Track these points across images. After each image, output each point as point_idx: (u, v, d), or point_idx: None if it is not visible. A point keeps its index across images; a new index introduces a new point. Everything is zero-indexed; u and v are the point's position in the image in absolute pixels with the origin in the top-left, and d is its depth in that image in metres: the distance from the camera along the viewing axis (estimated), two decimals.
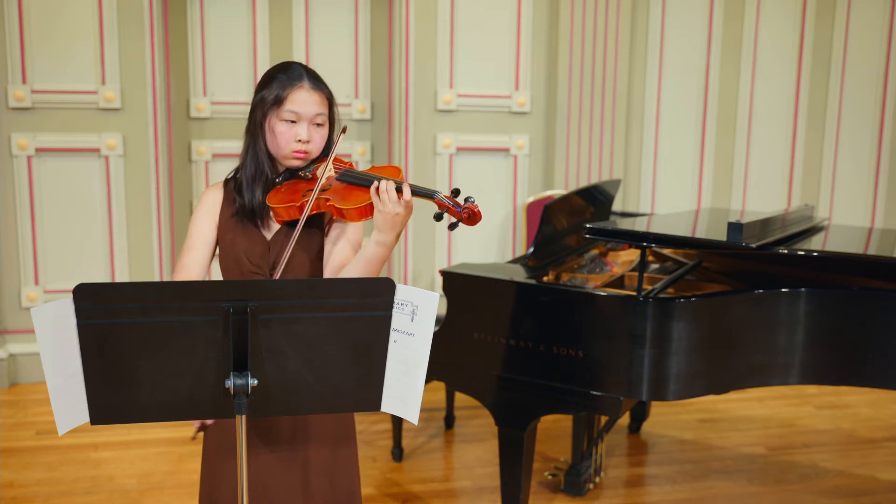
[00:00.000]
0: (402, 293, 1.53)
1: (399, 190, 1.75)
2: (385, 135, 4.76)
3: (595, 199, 3.51)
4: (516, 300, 2.72)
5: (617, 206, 4.61)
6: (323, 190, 1.84)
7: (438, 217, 1.76)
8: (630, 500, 3.24)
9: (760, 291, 2.61)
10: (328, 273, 1.90)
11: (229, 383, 1.47)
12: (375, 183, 1.76)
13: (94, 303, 1.41)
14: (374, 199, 1.75)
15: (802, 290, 2.61)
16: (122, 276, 4.46)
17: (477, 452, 3.64)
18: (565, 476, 3.24)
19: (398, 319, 1.54)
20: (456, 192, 1.76)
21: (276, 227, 1.93)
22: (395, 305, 1.53)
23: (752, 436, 3.87)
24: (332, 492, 1.97)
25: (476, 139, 4.74)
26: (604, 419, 3.36)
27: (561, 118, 4.73)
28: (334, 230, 1.93)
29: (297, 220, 1.83)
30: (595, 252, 3.41)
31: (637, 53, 4.92)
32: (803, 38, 5.12)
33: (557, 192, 4.70)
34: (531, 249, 2.98)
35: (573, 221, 3.26)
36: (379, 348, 1.55)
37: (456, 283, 2.81)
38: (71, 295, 1.40)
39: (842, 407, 4.26)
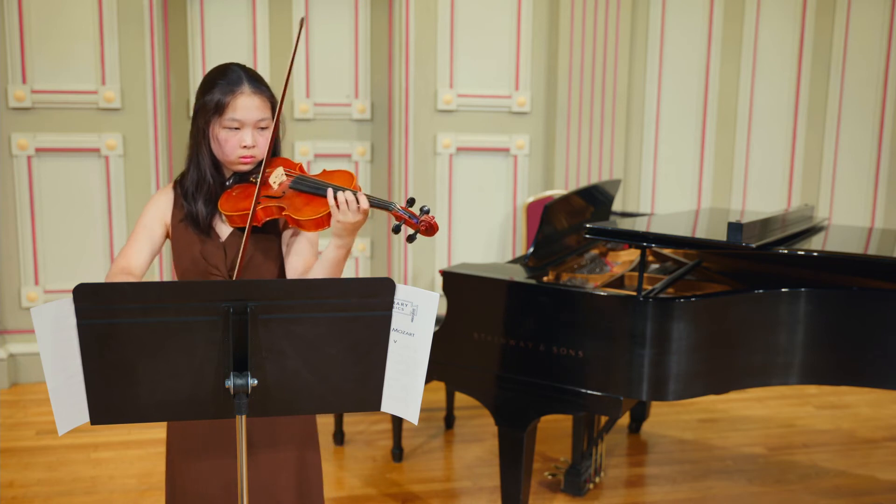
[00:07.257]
0: (402, 293, 1.53)
1: (358, 200, 1.75)
2: (385, 135, 4.76)
3: (595, 199, 3.51)
4: (516, 300, 2.72)
5: (617, 206, 4.61)
6: (276, 197, 1.84)
7: (396, 229, 1.76)
8: (630, 500, 3.24)
9: (760, 291, 2.61)
10: (291, 274, 1.91)
11: (229, 383, 1.48)
12: (332, 193, 1.76)
13: (94, 303, 1.41)
14: (333, 208, 1.75)
15: (802, 290, 2.61)
16: None
17: (477, 452, 3.63)
18: (565, 476, 3.24)
19: (398, 319, 1.54)
20: (411, 202, 1.77)
21: (228, 228, 1.93)
22: (395, 305, 1.54)
23: (752, 436, 3.87)
24: (299, 492, 1.97)
25: (476, 139, 4.74)
26: (604, 419, 3.36)
27: (561, 118, 4.73)
28: (291, 231, 1.94)
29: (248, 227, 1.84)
30: (595, 252, 3.40)
31: (637, 53, 4.92)
32: (803, 38, 5.12)
33: (557, 192, 4.70)
34: (531, 249, 2.98)
35: (573, 221, 3.25)
36: (379, 348, 1.55)
37: (456, 283, 2.81)
38: (71, 295, 1.40)
39: (842, 407, 4.26)
